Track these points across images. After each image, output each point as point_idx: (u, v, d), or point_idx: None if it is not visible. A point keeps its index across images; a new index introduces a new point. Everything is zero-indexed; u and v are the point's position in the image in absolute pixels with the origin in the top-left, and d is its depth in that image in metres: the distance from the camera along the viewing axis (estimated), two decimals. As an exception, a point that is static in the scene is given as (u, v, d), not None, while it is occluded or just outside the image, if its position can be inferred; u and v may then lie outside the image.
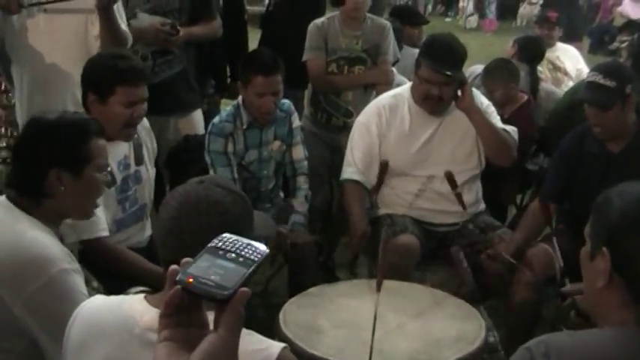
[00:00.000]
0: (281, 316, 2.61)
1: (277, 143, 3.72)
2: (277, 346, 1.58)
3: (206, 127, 3.80)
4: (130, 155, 3.14)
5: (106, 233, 2.84)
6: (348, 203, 3.57)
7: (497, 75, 4.30)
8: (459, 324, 2.63)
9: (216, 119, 3.63)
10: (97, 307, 1.73)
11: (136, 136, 3.14)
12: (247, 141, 3.62)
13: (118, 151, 3.04)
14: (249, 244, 0.96)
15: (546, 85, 5.16)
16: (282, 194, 3.95)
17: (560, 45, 6.12)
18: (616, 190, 1.58)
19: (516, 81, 4.40)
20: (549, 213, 3.52)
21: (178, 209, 1.61)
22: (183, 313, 0.93)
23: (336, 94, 4.29)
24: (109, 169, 2.52)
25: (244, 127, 3.59)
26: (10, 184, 2.27)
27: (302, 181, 3.79)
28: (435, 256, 3.56)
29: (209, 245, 0.96)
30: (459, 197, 3.50)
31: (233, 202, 1.61)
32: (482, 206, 3.71)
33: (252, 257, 0.94)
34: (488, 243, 3.46)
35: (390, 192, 3.63)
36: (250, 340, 1.57)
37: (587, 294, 1.62)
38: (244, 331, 1.55)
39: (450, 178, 3.49)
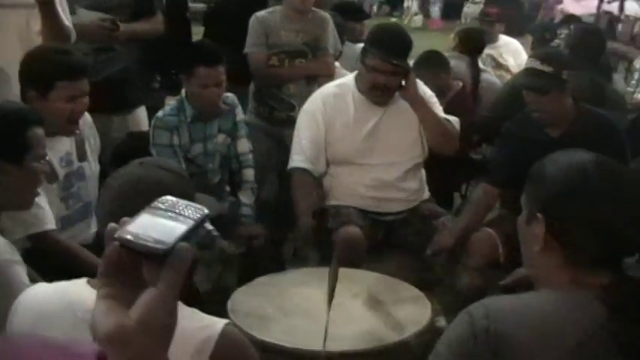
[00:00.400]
0: (229, 304, 2.61)
1: (222, 136, 3.72)
2: (221, 322, 1.59)
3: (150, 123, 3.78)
4: (72, 151, 3.10)
5: (53, 226, 2.79)
6: (294, 194, 3.58)
7: (424, 66, 4.33)
8: (408, 307, 2.67)
9: (159, 113, 3.61)
10: (41, 294, 1.72)
11: (78, 131, 3.11)
12: (192, 134, 3.61)
13: (59, 147, 2.99)
14: (189, 204, 0.96)
15: (488, 76, 5.23)
16: (228, 188, 3.95)
17: (502, 39, 6.20)
18: (549, 158, 1.64)
19: (445, 70, 4.46)
20: (493, 199, 3.59)
21: (119, 190, 1.61)
22: (123, 273, 0.92)
23: (278, 87, 4.29)
24: (50, 164, 2.50)
25: (188, 120, 3.58)
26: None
27: (248, 174, 3.79)
28: (385, 245, 3.60)
29: (149, 206, 0.95)
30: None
31: (174, 182, 1.62)
32: (427, 194, 3.76)
33: (191, 216, 0.94)
34: (433, 230, 3.51)
35: (335, 182, 3.66)
36: (194, 318, 1.58)
37: (525, 259, 1.67)
38: (189, 310, 1.57)
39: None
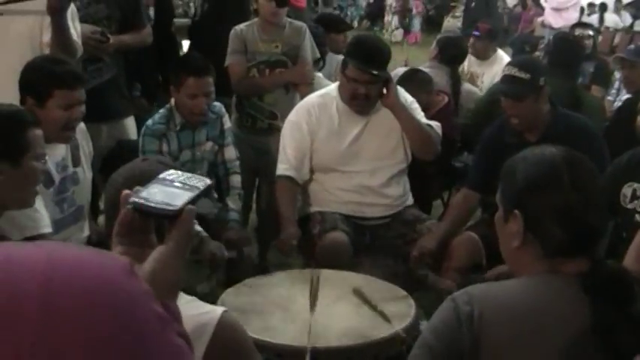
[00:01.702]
0: (219, 304, 2.66)
1: (209, 144, 3.81)
2: (219, 309, 1.66)
3: (138, 131, 3.86)
4: (67, 157, 3.18)
5: (49, 230, 2.84)
6: (279, 203, 3.64)
7: (407, 84, 4.38)
8: (391, 305, 2.72)
9: (149, 122, 3.69)
10: None
11: (73, 138, 3.19)
12: (181, 142, 3.70)
13: (55, 153, 3.06)
14: (193, 176, 1.08)
15: (467, 85, 5.27)
16: (215, 195, 4.02)
17: (500, 55, 5.98)
18: (519, 156, 1.73)
19: (427, 89, 4.48)
20: (474, 203, 3.69)
21: (123, 183, 1.69)
22: (136, 235, 1.03)
23: (259, 97, 4.35)
24: (46, 169, 2.56)
25: (177, 128, 3.68)
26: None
27: (235, 180, 3.88)
28: (368, 250, 3.68)
29: (157, 177, 1.06)
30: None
31: None
32: (411, 200, 3.84)
33: (197, 185, 1.06)
34: (417, 235, 3.60)
35: (320, 188, 3.73)
36: (193, 306, 1.64)
37: (505, 255, 1.75)
38: (187, 298, 1.65)
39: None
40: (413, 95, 3.86)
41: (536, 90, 3.34)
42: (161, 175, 1.07)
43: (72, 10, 3.48)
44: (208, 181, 1.08)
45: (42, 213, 2.80)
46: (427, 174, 4.13)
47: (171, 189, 1.04)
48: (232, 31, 4.36)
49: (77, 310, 0.71)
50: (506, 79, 3.42)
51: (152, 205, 1.01)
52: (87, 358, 0.71)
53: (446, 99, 4.62)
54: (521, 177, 1.66)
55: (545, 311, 1.53)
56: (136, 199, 1.02)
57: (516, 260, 1.69)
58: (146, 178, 1.68)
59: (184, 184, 1.05)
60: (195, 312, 1.62)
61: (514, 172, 1.68)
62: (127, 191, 1.04)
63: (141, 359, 0.75)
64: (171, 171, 1.09)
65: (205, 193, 1.06)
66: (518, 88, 3.35)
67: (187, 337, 0.93)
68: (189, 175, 1.08)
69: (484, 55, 5.89)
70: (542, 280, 1.60)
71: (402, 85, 3.93)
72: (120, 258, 0.82)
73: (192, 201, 1.03)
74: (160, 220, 1.03)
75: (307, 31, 4.44)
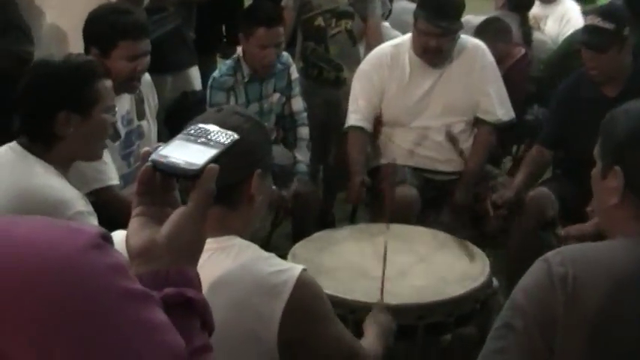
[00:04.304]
0: (289, 258, 2.63)
1: (277, 96, 3.76)
2: (298, 268, 1.61)
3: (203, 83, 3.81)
4: (132, 110, 3.15)
5: (116, 182, 2.82)
6: (349, 151, 3.60)
7: (484, 35, 4.26)
8: (464, 263, 2.67)
9: (216, 73, 3.65)
10: (119, 243, 1.76)
11: (138, 90, 3.15)
12: (249, 94, 3.65)
13: (120, 106, 3.03)
14: (220, 131, 1.00)
15: (538, 34, 5.01)
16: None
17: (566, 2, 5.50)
18: (621, 108, 1.62)
19: (505, 39, 4.33)
20: (547, 159, 3.58)
21: None
22: (157, 194, 0.97)
23: (325, 48, 4.25)
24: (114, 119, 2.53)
25: (245, 80, 3.62)
26: (21, 130, 2.29)
27: (302, 132, 3.83)
28: (437, 205, 3.61)
29: (181, 132, 1.00)
30: (462, 155, 3.55)
31: (251, 129, 1.63)
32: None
33: (221, 141, 0.98)
34: (490, 190, 3.52)
35: (389, 141, 3.67)
36: (271, 263, 1.60)
37: (599, 212, 1.67)
38: (265, 254, 1.60)
39: (451, 138, 3.52)
40: (489, 46, 3.74)
41: (620, 41, 3.20)
42: (185, 130, 1.00)
43: None
44: (236, 137, 1.00)
45: (110, 165, 2.78)
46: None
47: (195, 145, 0.97)
48: None
49: (23, 286, 0.70)
50: (589, 29, 3.28)
51: (172, 163, 0.94)
52: (34, 334, 0.69)
53: (522, 51, 4.48)
54: (623, 131, 1.55)
55: None
56: (156, 157, 0.95)
57: (612, 219, 1.60)
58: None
59: (209, 140, 0.98)
60: (273, 269, 1.58)
61: (615, 125, 1.58)
62: (146, 148, 0.98)
63: (97, 337, 0.72)
64: (198, 125, 1.01)
65: (230, 149, 0.98)
66: (601, 39, 3.21)
67: (194, 302, 0.91)
68: (217, 129, 1.01)
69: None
70: (637, 241, 1.51)
71: (478, 35, 3.82)
72: (88, 230, 0.77)
73: (216, 159, 0.95)
74: (181, 179, 0.96)
75: None
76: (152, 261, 0.91)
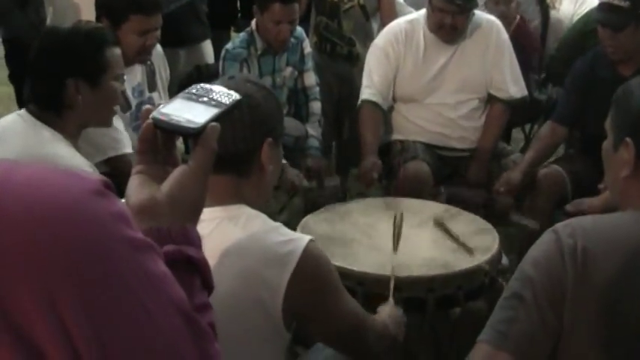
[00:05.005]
0: (299, 230, 2.63)
1: (290, 70, 3.74)
2: (305, 238, 1.61)
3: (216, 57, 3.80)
4: (143, 82, 3.15)
5: (130, 150, 2.81)
6: (361, 130, 3.58)
7: None
8: (474, 236, 2.66)
9: (229, 45, 3.64)
10: None
11: (148, 62, 3.15)
12: (262, 67, 3.64)
13: (131, 77, 3.03)
14: (222, 91, 1.00)
15: (555, 14, 4.91)
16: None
17: None
18: (635, 81, 1.61)
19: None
20: (560, 137, 3.56)
21: None
22: (158, 152, 0.97)
23: (338, 23, 4.23)
24: (123, 93, 2.53)
25: (259, 53, 3.61)
26: (30, 97, 2.29)
27: (315, 107, 3.82)
28: (450, 182, 3.60)
29: (183, 91, 1.00)
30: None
31: (264, 97, 1.63)
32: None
33: (223, 100, 0.98)
34: (502, 169, 3.51)
35: (401, 117, 3.66)
36: (279, 232, 1.60)
37: (610, 185, 1.66)
38: (273, 224, 1.60)
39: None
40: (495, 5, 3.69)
41: (636, 19, 3.17)
42: (187, 90, 1.00)
43: None
44: (237, 97, 1.00)
45: (124, 133, 2.78)
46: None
47: (197, 104, 0.97)
48: None
49: (29, 231, 0.70)
50: (605, 7, 3.25)
51: (173, 121, 0.94)
52: (40, 278, 0.69)
53: (518, 17, 4.36)
54: (636, 103, 1.54)
55: None
56: (157, 115, 0.95)
57: (623, 191, 1.59)
58: None
59: (210, 99, 0.98)
60: (281, 239, 1.58)
61: (628, 98, 1.57)
62: (148, 106, 0.98)
63: (101, 284, 0.72)
64: (200, 85, 1.01)
65: (232, 109, 0.98)
66: (617, 17, 3.18)
67: (194, 260, 0.91)
68: (219, 89, 1.00)
69: None
70: None
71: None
72: (91, 178, 0.77)
73: (217, 118, 0.95)
74: (183, 137, 0.96)
75: None
76: (152, 218, 0.91)
